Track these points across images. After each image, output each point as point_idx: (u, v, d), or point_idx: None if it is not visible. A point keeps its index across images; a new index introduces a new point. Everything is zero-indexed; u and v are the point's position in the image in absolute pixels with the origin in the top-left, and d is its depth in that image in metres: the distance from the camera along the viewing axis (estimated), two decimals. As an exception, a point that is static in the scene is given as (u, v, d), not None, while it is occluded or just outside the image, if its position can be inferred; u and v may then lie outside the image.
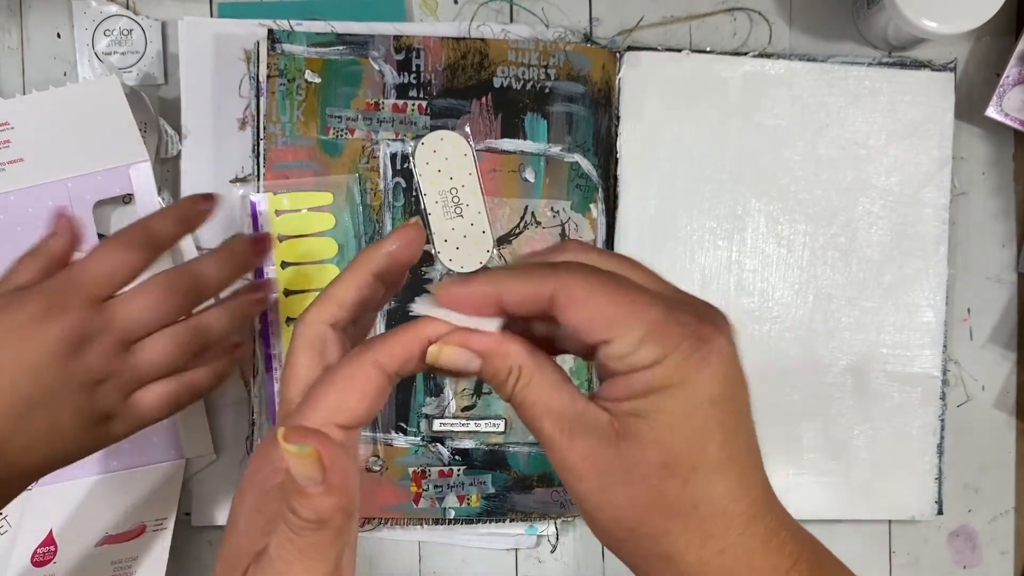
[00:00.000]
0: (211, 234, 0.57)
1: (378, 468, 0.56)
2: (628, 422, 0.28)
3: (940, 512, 0.59)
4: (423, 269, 0.57)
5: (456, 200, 0.57)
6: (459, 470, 0.57)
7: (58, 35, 0.58)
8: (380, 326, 0.56)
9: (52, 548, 0.55)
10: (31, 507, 0.56)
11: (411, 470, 0.56)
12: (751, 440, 0.29)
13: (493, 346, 0.29)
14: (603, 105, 0.57)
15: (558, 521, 0.58)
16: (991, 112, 0.58)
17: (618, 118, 0.58)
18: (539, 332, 0.31)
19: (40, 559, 0.55)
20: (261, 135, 0.56)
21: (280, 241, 0.56)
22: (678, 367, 0.27)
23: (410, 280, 0.56)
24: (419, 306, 0.31)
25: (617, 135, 0.58)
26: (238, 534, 0.30)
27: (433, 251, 0.57)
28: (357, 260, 0.33)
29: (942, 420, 0.59)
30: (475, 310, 0.29)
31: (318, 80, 0.56)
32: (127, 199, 0.57)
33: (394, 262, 0.33)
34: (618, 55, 0.58)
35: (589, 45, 0.58)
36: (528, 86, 0.57)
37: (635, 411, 0.27)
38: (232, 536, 0.30)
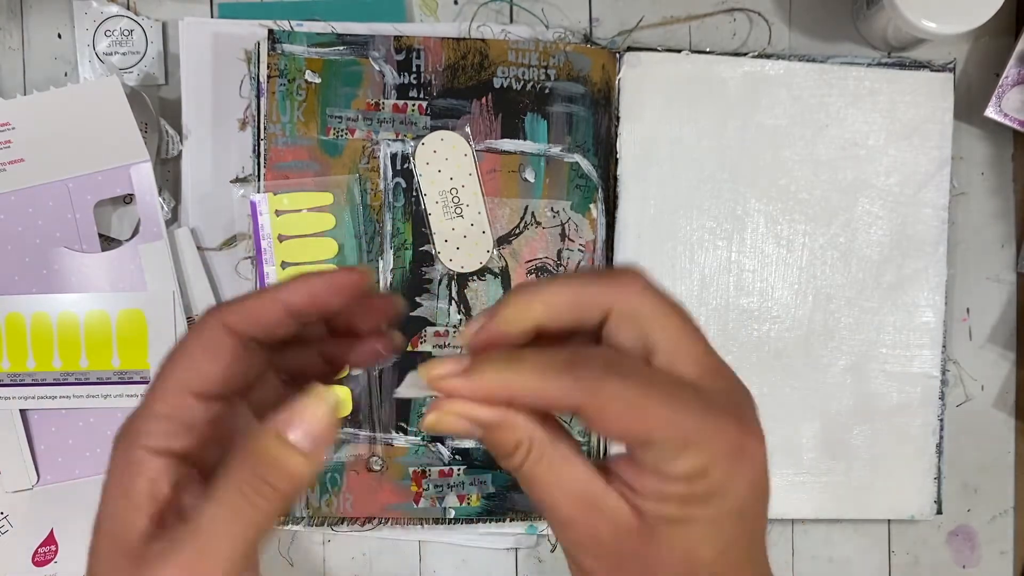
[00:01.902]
0: (212, 235, 0.57)
1: (378, 468, 0.56)
2: (656, 525, 0.26)
3: (939, 512, 0.59)
4: (423, 269, 0.57)
5: (456, 200, 0.57)
6: (459, 470, 0.57)
7: (59, 35, 0.58)
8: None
9: (53, 548, 0.55)
10: (32, 507, 0.56)
11: (411, 470, 0.56)
12: (764, 542, 0.28)
13: (499, 418, 0.26)
14: (603, 105, 0.57)
15: (558, 521, 0.58)
16: (990, 112, 0.58)
17: (618, 118, 0.58)
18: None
19: (41, 559, 0.55)
20: (261, 135, 0.56)
21: (280, 241, 0.56)
22: (719, 480, 0.26)
23: (411, 280, 0.56)
24: (406, 389, 0.27)
25: (617, 135, 0.58)
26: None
27: (433, 251, 0.57)
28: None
29: (941, 420, 0.59)
30: (480, 402, 0.26)
31: (318, 80, 0.56)
32: (128, 199, 0.57)
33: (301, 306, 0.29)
34: (618, 55, 0.58)
35: (589, 45, 0.58)
36: (528, 86, 0.57)
37: (666, 517, 0.26)
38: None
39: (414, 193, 0.57)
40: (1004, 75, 0.58)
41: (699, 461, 0.25)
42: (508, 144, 0.57)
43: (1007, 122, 0.58)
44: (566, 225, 0.57)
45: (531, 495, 0.27)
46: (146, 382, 0.56)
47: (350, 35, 0.56)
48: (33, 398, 0.55)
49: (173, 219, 0.57)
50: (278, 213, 0.56)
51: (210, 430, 0.28)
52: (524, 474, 0.27)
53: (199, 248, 0.57)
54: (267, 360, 0.30)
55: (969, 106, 0.60)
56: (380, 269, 0.56)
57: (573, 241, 0.57)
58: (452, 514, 0.57)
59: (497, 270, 0.57)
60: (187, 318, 0.56)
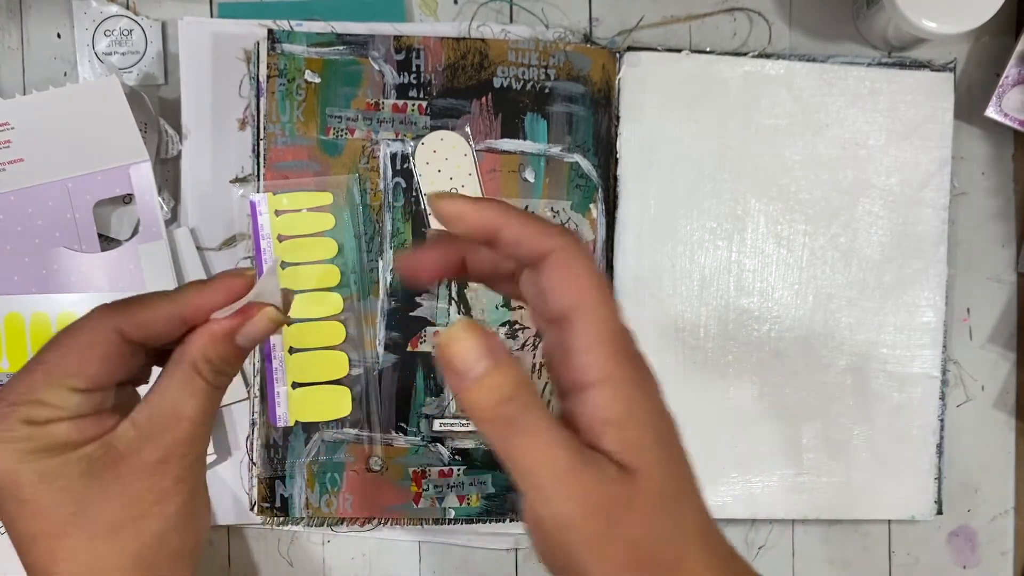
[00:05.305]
0: (211, 235, 0.57)
1: (378, 468, 0.56)
2: (634, 465, 0.27)
3: (940, 512, 0.59)
4: (423, 269, 0.56)
5: (456, 200, 0.57)
6: (459, 470, 0.57)
7: (58, 35, 0.58)
8: (380, 327, 0.56)
9: (52, 548, 0.55)
10: (31, 507, 0.56)
11: (411, 470, 0.56)
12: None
13: (500, 354, 0.27)
14: (603, 105, 0.57)
15: (558, 521, 0.58)
16: (991, 112, 0.58)
17: (618, 118, 0.58)
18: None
19: (40, 559, 0.55)
20: (261, 135, 0.56)
21: (280, 241, 0.56)
22: (646, 408, 0.28)
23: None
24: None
25: (617, 135, 0.58)
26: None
27: (433, 251, 0.57)
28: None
29: (942, 420, 0.59)
30: (470, 229, 0.29)
31: (318, 80, 0.56)
32: (127, 199, 0.57)
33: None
34: (618, 55, 0.58)
35: (589, 45, 0.58)
36: (528, 86, 0.57)
37: (637, 452, 0.27)
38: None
39: (414, 193, 0.57)
40: (1004, 75, 0.58)
41: (621, 394, 0.27)
42: (508, 144, 0.57)
43: (1007, 122, 0.58)
44: (566, 225, 0.57)
45: (514, 462, 0.27)
46: (146, 382, 0.56)
47: (350, 35, 0.56)
48: (32, 398, 0.55)
49: (172, 219, 0.57)
50: (278, 213, 0.56)
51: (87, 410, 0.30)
52: (509, 435, 0.27)
53: (199, 248, 0.57)
54: (150, 354, 0.32)
55: (969, 106, 0.60)
56: (380, 269, 0.56)
57: (573, 241, 0.57)
58: (452, 514, 0.57)
59: (497, 270, 0.57)
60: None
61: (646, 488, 0.27)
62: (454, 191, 0.57)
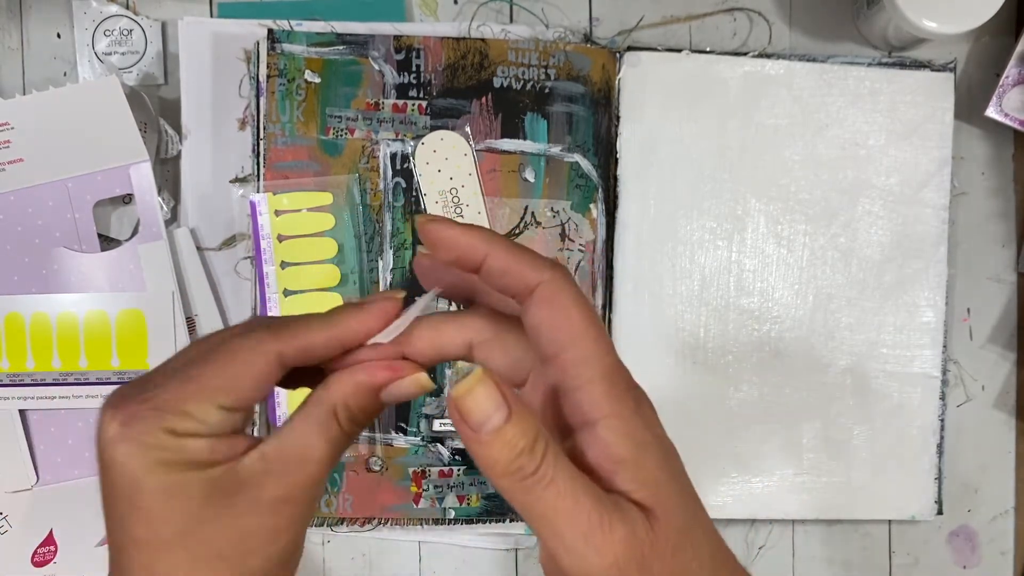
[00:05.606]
0: (211, 235, 0.57)
1: (378, 468, 0.56)
2: (658, 512, 0.26)
3: (940, 512, 0.59)
4: (423, 269, 0.57)
5: (456, 200, 0.57)
6: (459, 470, 0.57)
7: (58, 35, 0.58)
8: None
9: (52, 548, 0.55)
10: (31, 507, 0.56)
11: (411, 470, 0.56)
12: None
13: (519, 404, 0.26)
14: (603, 105, 0.57)
15: (558, 521, 0.58)
16: (991, 112, 0.58)
17: (618, 118, 0.58)
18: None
19: (40, 559, 0.55)
20: (261, 135, 0.56)
21: (280, 241, 0.56)
22: (658, 445, 0.28)
23: (411, 280, 0.56)
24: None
25: (617, 135, 0.58)
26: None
27: (433, 251, 0.57)
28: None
29: (942, 420, 0.59)
30: (455, 256, 0.28)
31: (318, 80, 0.56)
32: (127, 199, 0.57)
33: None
34: (618, 55, 0.58)
35: (589, 45, 0.58)
36: (528, 86, 0.57)
37: (660, 499, 0.27)
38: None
39: (414, 193, 0.57)
40: (1004, 75, 0.58)
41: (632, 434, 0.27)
42: (508, 144, 0.57)
43: (1007, 122, 0.58)
44: (566, 225, 0.57)
45: (535, 515, 0.26)
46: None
47: (350, 35, 0.56)
48: (32, 398, 0.55)
49: (172, 219, 0.57)
50: (278, 213, 0.56)
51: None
52: (528, 489, 0.26)
53: (198, 248, 0.57)
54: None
55: (969, 106, 0.60)
56: (380, 269, 0.56)
57: (573, 241, 0.57)
58: (452, 514, 0.57)
59: (497, 270, 0.57)
60: (187, 318, 0.56)
61: (666, 527, 0.26)
62: (454, 191, 0.57)
